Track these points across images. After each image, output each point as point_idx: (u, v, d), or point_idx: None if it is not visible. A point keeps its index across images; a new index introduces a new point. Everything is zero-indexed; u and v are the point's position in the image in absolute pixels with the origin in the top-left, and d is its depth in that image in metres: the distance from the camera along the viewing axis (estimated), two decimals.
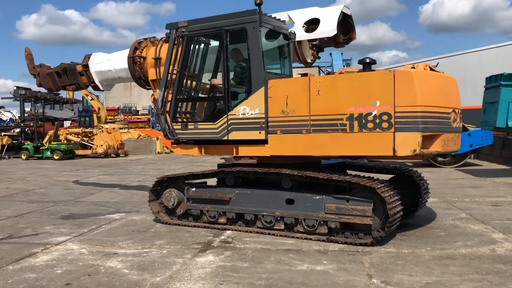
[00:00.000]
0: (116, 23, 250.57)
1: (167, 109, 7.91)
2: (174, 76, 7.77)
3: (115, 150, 27.34)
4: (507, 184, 11.99)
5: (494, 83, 12.80)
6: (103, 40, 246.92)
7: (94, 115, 35.71)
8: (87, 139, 27.96)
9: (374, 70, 6.55)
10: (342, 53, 59.60)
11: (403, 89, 6.04)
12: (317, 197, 6.72)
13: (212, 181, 8.21)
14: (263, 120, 6.97)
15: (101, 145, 26.62)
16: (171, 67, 7.74)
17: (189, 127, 7.70)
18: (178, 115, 7.92)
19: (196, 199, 7.74)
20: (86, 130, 28.54)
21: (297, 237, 6.75)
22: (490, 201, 9.54)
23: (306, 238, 6.68)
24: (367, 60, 6.68)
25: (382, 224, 6.34)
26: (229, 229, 7.34)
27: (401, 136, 6.05)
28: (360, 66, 6.73)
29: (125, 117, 48.01)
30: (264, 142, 7.08)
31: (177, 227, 7.68)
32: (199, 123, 7.64)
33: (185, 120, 7.96)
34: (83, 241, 6.82)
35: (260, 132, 7.03)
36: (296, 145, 6.80)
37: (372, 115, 6.21)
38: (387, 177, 8.09)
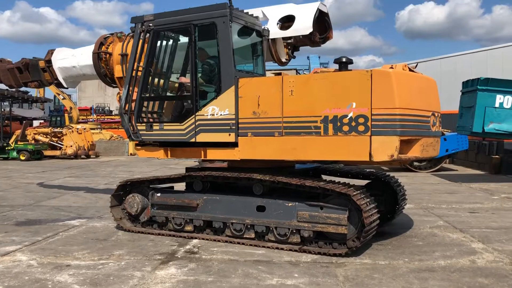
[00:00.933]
0: (93, 22, 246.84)
1: (132, 108, 7.40)
2: (139, 73, 7.27)
3: (86, 151, 26.44)
4: (483, 190, 11.84)
5: (470, 87, 12.68)
6: (80, 39, 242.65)
7: (66, 115, 34.64)
8: (56, 139, 26.97)
9: (351, 70, 6.18)
10: (319, 56, 59.85)
11: (381, 90, 5.69)
12: (290, 204, 6.31)
13: (181, 186, 7.72)
14: (233, 121, 6.53)
15: (71, 146, 25.69)
16: (136, 63, 7.24)
17: (154, 128, 7.19)
18: (142, 115, 7.41)
19: (161, 205, 7.24)
20: (56, 130, 27.54)
21: (268, 247, 6.32)
22: (467, 208, 9.32)
23: (277, 248, 6.26)
24: (343, 59, 6.32)
25: (358, 233, 5.97)
26: (196, 238, 6.87)
27: (378, 140, 5.69)
28: (336, 66, 6.37)
29: (98, 117, 46.88)
30: (234, 145, 6.64)
31: (140, 235, 7.16)
32: (165, 124, 7.15)
33: (150, 120, 7.46)
34: (34, 251, 6.24)
35: (230, 134, 6.58)
36: (268, 149, 6.38)
37: (348, 117, 5.84)
38: (363, 182, 7.76)
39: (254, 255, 5.98)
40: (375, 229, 6.12)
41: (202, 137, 6.79)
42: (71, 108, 34.50)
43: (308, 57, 58.97)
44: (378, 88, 5.68)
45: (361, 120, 5.76)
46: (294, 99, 6.15)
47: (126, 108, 7.44)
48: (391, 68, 5.98)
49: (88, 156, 26.71)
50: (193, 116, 6.82)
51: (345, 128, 5.85)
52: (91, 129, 32.37)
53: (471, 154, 17.86)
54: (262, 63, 7.67)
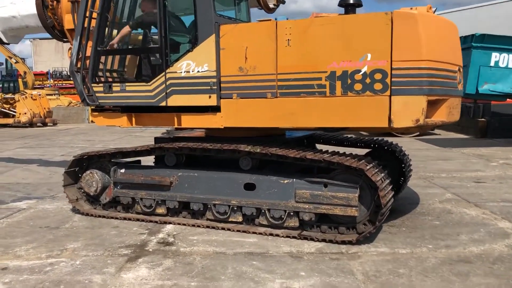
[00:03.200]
0: None
1: (86, 65, 5.97)
2: (93, 21, 5.81)
3: (42, 118, 24.38)
4: (476, 156, 11.05)
5: (464, 44, 11.66)
6: None
7: (20, 80, 32.07)
8: (8, 106, 24.74)
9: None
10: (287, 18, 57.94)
11: (404, 37, 4.50)
12: (286, 181, 5.15)
13: (150, 160, 6.43)
14: (214, 80, 5.24)
15: (25, 113, 23.58)
16: (88, 9, 5.76)
17: (114, 89, 5.81)
18: (99, 74, 6.00)
19: (127, 184, 5.94)
20: (7, 96, 25.27)
21: (260, 233, 5.19)
22: (470, 177, 8.44)
23: (271, 234, 5.14)
24: (351, 1, 5.08)
25: (370, 215, 4.90)
26: (170, 223, 5.66)
27: (399, 101, 4.55)
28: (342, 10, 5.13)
29: (55, 82, 44.03)
30: (215, 109, 5.37)
31: (101, 221, 5.89)
32: (127, 84, 5.77)
33: (109, 79, 6.06)
34: None
35: (210, 96, 5.30)
36: (259, 114, 5.14)
37: (361, 73, 4.65)
38: (361, 152, 6.70)
39: (245, 245, 4.83)
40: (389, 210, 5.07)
41: (174, 100, 5.48)
42: (25, 72, 31.89)
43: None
44: (400, 35, 4.49)
45: (378, 76, 4.59)
46: (291, 50, 4.90)
47: (79, 66, 6.01)
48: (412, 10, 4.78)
49: (44, 124, 24.71)
50: (163, 73, 5.48)
51: (358, 86, 4.67)
52: (48, 95, 30.11)
53: None
54: (247, 9, 6.33)
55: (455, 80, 4.96)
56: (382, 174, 4.97)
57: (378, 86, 4.59)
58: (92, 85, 5.91)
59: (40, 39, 60.63)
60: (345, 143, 6.89)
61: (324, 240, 4.90)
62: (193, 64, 5.30)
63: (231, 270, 4.16)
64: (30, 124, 23.77)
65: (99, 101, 5.93)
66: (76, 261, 4.46)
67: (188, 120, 5.57)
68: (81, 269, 4.23)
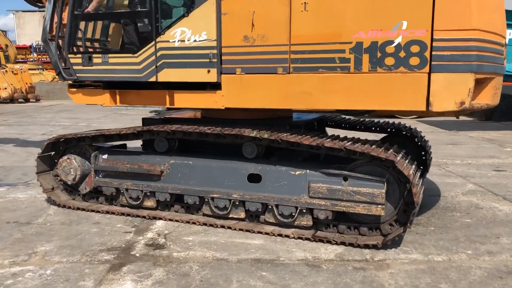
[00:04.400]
0: None
1: (61, 33, 5.07)
2: None
3: (23, 94, 23.21)
4: (487, 140, 10.38)
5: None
6: None
7: (1, 54, 30.63)
8: None
9: None
10: None
11: (450, 0, 3.69)
12: (298, 173, 4.38)
13: (135, 144, 5.60)
14: (214, 51, 4.39)
15: (5, 89, 22.39)
16: None
17: (95, 61, 4.92)
18: (78, 43, 5.11)
19: (110, 172, 5.12)
20: None
21: (267, 233, 4.43)
22: (487, 164, 7.75)
23: (280, 235, 4.38)
24: None
25: (398, 214, 4.17)
26: (160, 218, 4.87)
27: (441, 79, 3.76)
28: None
29: (39, 56, 42.38)
30: (215, 86, 4.54)
31: (80, 214, 5.08)
32: (110, 55, 4.88)
33: (89, 50, 5.17)
34: None
35: (209, 71, 4.46)
36: (267, 93, 4.32)
37: (394, 44, 3.84)
38: (375, 137, 5.95)
39: (250, 249, 4.07)
40: None
41: (166, 75, 4.63)
42: (6, 46, 30.59)
43: None
44: None
45: (415, 48, 3.78)
46: (308, 16, 4.06)
47: (53, 33, 5.10)
48: None
49: (27, 100, 23.57)
50: (153, 43, 4.61)
51: (389, 60, 3.86)
52: (31, 69, 28.83)
53: None
54: None
55: (502, 55, 4.17)
56: (414, 166, 4.22)
57: (414, 60, 3.79)
58: (69, 56, 5.02)
59: (23, 11, 58.46)
60: (357, 126, 6.11)
61: (343, 244, 4.16)
62: (189, 31, 4.44)
63: (237, 285, 3.40)
64: (11, 100, 22.62)
65: (77, 75, 5.04)
66: (47, 270, 3.66)
67: (182, 99, 4.73)
68: (51, 282, 3.44)
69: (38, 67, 33.10)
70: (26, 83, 23.94)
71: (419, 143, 5.81)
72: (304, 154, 4.65)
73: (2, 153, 8.89)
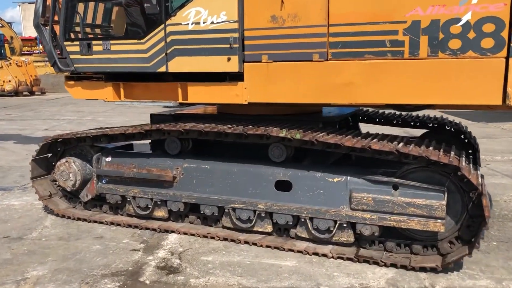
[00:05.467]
0: None
1: (55, 16, 4.38)
2: None
3: (28, 87, 22.62)
4: None
5: None
6: None
7: (6, 46, 30.08)
8: None
9: None
10: None
11: None
12: (337, 180, 3.67)
13: (144, 144, 4.92)
14: (236, 34, 3.67)
15: (9, 81, 21.82)
16: None
17: (95, 49, 4.22)
18: (76, 29, 4.40)
19: (114, 177, 4.45)
20: None
21: (299, 251, 3.73)
22: None
23: (316, 254, 3.68)
24: None
25: (460, 230, 3.45)
26: (173, 231, 4.19)
27: None
28: None
29: None
30: (236, 77, 3.82)
31: (81, 226, 4.42)
32: (113, 42, 4.17)
33: (88, 36, 4.48)
34: None
35: (229, 59, 3.74)
36: (300, 84, 3.60)
37: (461, 23, 3.10)
38: (415, 133, 5.24)
39: (282, 273, 3.38)
40: None
41: (178, 65, 3.92)
42: (11, 37, 30.00)
43: None
44: None
45: (488, 27, 3.04)
46: None
47: (47, 16, 4.40)
48: None
49: (32, 93, 23.00)
50: (162, 27, 3.90)
51: (455, 43, 3.13)
52: (36, 61, 28.22)
53: None
54: None
55: None
56: (479, 172, 3.49)
57: (488, 43, 3.05)
58: (65, 43, 4.32)
59: (29, 3, 57.91)
60: (394, 121, 5.38)
61: (393, 265, 3.45)
62: (205, 12, 3.72)
63: None
64: (15, 93, 22.06)
65: (75, 65, 4.35)
66: None
67: (197, 93, 4.01)
68: None
69: (43, 59, 32.48)
70: (31, 76, 23.37)
71: (466, 140, 5.06)
72: (335, 156, 3.94)
73: (1, 151, 8.26)
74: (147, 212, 4.35)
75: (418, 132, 5.29)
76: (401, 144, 3.49)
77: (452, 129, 5.14)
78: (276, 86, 3.66)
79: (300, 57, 3.54)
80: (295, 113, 4.42)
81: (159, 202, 4.28)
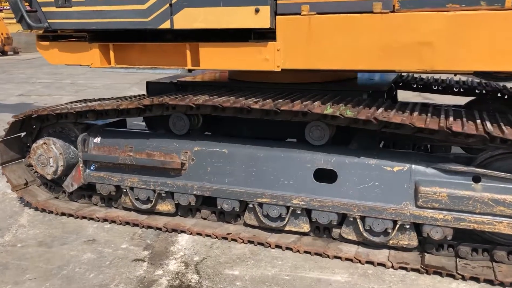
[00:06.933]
0: None
1: None
2: None
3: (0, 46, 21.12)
4: None
5: None
6: None
7: None
8: None
9: None
10: None
11: None
12: (397, 168, 2.85)
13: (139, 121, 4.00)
14: None
15: None
16: None
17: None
18: None
19: (105, 163, 3.56)
20: None
21: (348, 259, 2.96)
22: None
23: (370, 263, 2.91)
24: None
25: None
26: (183, 231, 3.37)
27: None
28: None
29: None
30: (266, 35, 2.90)
31: (66, 223, 3.57)
32: None
33: None
34: None
35: (257, 10, 2.80)
36: (356, 45, 2.70)
37: None
38: (458, 100, 4.43)
39: None
40: None
41: (187, 19, 2.97)
42: None
43: None
44: None
45: None
46: None
47: None
48: None
49: (4, 53, 21.51)
50: None
51: None
52: (7, 18, 26.34)
53: None
54: None
55: None
56: None
57: None
58: None
59: None
60: (433, 86, 4.54)
61: (474, 279, 2.71)
62: None
63: None
64: None
65: (49, 20, 3.35)
66: None
67: (212, 57, 3.08)
68: None
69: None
70: (2, 34, 21.78)
71: None
72: (407, 140, 3.13)
73: None
74: (149, 205, 3.50)
75: (461, 100, 4.48)
76: (488, 124, 2.66)
77: (509, 97, 4.32)
78: (321, 47, 2.76)
79: (355, 6, 2.63)
80: (324, 80, 3.54)
81: (163, 194, 3.43)
